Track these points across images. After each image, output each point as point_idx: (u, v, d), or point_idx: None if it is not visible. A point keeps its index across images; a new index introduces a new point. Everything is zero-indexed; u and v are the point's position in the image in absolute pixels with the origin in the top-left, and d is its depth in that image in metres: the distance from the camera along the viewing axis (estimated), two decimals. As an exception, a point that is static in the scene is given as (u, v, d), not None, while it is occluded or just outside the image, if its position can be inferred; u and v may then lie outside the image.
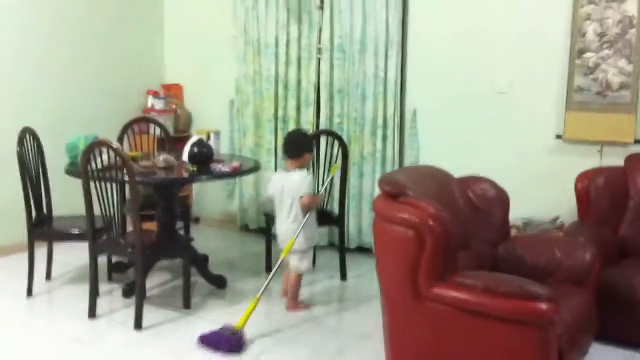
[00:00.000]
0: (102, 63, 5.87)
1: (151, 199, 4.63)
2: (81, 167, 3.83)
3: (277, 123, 5.60)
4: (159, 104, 6.05)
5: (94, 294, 3.97)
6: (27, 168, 4.28)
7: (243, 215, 5.96)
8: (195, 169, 4.28)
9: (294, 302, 4.18)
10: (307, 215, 4.05)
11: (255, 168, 4.58)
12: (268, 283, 3.96)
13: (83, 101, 5.72)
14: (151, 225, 4.54)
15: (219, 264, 4.79)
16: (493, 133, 4.72)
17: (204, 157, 4.44)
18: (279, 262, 4.05)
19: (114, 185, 3.86)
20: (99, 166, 3.92)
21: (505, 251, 3.59)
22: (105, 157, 3.98)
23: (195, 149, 4.44)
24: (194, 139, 4.56)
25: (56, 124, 5.32)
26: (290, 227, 4.07)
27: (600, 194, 4.04)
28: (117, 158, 3.72)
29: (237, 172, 4.38)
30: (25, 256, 4.33)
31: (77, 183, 4.56)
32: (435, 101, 4.95)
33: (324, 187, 4.59)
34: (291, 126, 5.49)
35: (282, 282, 4.33)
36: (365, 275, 4.81)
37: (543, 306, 2.80)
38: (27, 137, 4.33)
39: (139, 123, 5.42)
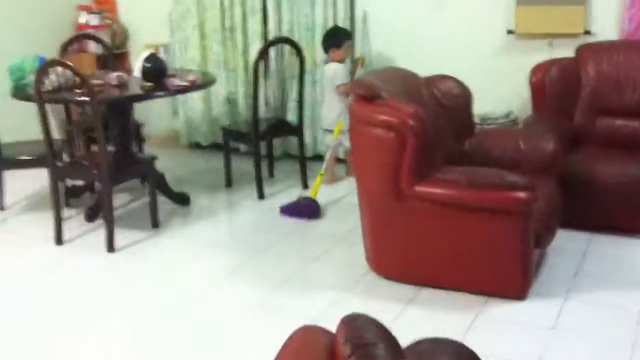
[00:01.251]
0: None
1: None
2: (35, 88, 3.63)
3: (225, 33, 5.42)
4: (93, 20, 5.72)
5: (58, 219, 3.86)
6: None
7: (191, 132, 5.83)
8: (151, 85, 4.13)
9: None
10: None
11: (212, 81, 4.47)
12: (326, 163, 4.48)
13: (10, 20, 5.36)
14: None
15: (175, 182, 4.68)
16: (444, 32, 4.73)
17: (158, 73, 4.27)
18: (333, 143, 4.58)
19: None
20: (49, 87, 3.74)
21: (471, 146, 3.68)
22: (53, 77, 3.81)
23: (149, 65, 4.26)
24: (145, 53, 4.38)
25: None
26: (328, 113, 4.62)
27: (554, 85, 4.15)
28: (75, 77, 3.54)
29: (195, 86, 4.26)
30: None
31: (21, 107, 4.38)
32: (385, 3, 4.90)
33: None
34: (239, 36, 5.33)
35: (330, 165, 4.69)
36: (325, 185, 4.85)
37: (524, 195, 2.93)
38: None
39: (79, 40, 5.14)
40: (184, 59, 5.61)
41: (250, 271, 3.49)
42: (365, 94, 3.26)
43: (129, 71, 4.71)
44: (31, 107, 4.17)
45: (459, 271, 3.10)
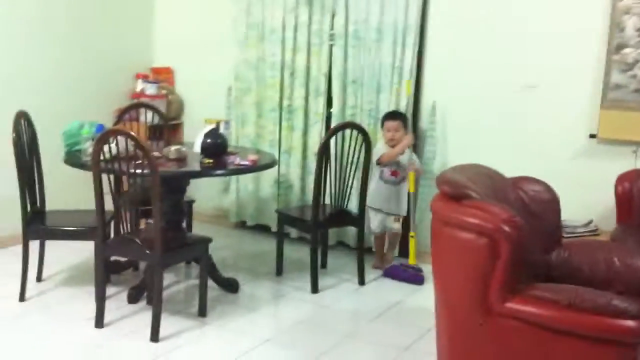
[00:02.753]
0: (89, 44, 5.40)
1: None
2: (93, 156, 3.42)
3: (282, 113, 5.23)
4: (150, 89, 5.60)
5: (101, 300, 3.56)
6: (23, 156, 3.83)
7: (239, 210, 5.58)
8: (210, 162, 3.91)
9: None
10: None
11: (273, 163, 4.25)
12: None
13: (68, 86, 5.24)
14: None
15: (221, 264, 4.36)
16: (521, 131, 4.47)
17: (218, 149, 4.08)
18: (376, 226, 4.65)
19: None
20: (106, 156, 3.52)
21: (559, 258, 3.34)
22: (112, 146, 3.59)
23: (209, 140, 4.07)
24: (206, 128, 4.19)
25: (41, 109, 4.84)
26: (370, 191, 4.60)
27: (641, 196, 3.85)
28: (137, 148, 3.32)
29: (255, 167, 4.02)
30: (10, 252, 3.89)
31: (70, 174, 4.18)
32: (457, 95, 4.68)
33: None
34: (299, 117, 5.14)
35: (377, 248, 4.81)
36: (383, 280, 4.53)
37: (632, 324, 2.57)
38: (22, 122, 3.88)
39: (135, 109, 4.99)
40: (239, 135, 5.43)
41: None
42: (451, 191, 2.97)
43: (182, 143, 4.53)
44: (78, 175, 3.98)
45: (553, 403, 2.71)
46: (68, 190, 4.64)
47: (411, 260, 4.60)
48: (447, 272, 2.94)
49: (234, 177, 5.48)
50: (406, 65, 4.69)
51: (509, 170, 3.54)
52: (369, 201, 4.48)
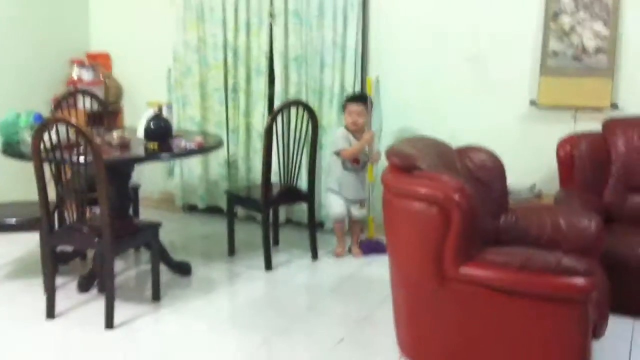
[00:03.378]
0: (21, 30, 5.20)
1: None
2: (33, 146, 3.31)
3: (228, 93, 5.17)
4: (87, 75, 5.45)
5: (52, 291, 3.47)
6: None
7: (185, 194, 5.51)
8: (155, 146, 3.84)
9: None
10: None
11: (220, 144, 4.17)
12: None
13: (0, 75, 5.06)
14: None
15: (172, 248, 4.29)
16: (464, 101, 4.55)
17: (162, 133, 4.00)
18: (337, 214, 4.48)
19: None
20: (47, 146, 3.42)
21: (506, 223, 3.42)
22: (53, 135, 3.49)
23: (153, 124, 3.99)
24: (149, 112, 4.10)
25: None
26: (327, 176, 4.70)
27: (583, 160, 3.96)
28: (79, 136, 3.23)
29: (202, 149, 3.97)
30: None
31: (7, 166, 4.06)
32: (399, 69, 4.72)
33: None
34: (241, 97, 5.09)
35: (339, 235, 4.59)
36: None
37: (582, 281, 2.65)
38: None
39: (72, 96, 4.84)
40: (182, 118, 5.34)
41: (274, 352, 3.15)
42: (401, 163, 3.00)
43: (123, 129, 4.44)
44: (17, 166, 3.86)
45: (509, 362, 2.79)
46: (6, 182, 4.50)
47: (370, 234, 4.70)
48: (400, 242, 2.98)
49: (178, 161, 5.41)
50: (349, 40, 4.68)
51: (455, 139, 3.61)
52: (332, 186, 4.46)
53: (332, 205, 4.46)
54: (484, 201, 3.39)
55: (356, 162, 4.38)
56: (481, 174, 3.46)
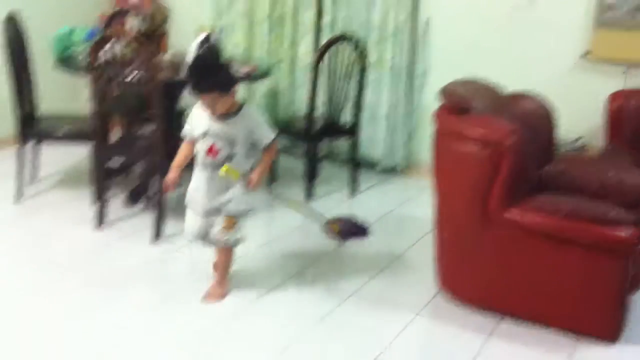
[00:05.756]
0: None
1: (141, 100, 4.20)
2: (90, 61, 3.36)
3: (273, 23, 5.15)
4: (135, -5, 5.43)
5: (102, 200, 3.60)
6: (13, 59, 3.74)
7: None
8: (206, 70, 3.87)
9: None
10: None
11: (269, 72, 4.20)
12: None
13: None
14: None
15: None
16: (516, 49, 4.48)
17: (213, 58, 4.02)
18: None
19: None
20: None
21: (553, 171, 3.43)
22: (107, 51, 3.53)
23: (204, 49, 4.00)
24: (200, 36, 4.10)
25: (25, 14, 4.70)
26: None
27: (632, 116, 3.93)
28: (139, 53, 3.27)
29: (253, 76, 4.00)
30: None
31: (57, 79, 4.13)
32: (451, 12, 4.65)
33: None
34: (288, 28, 5.07)
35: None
36: (375, 191, 4.62)
37: (627, 233, 2.70)
38: (10, 25, 3.76)
39: (120, 16, 4.84)
40: (228, 44, 5.35)
41: (311, 279, 3.25)
42: (454, 104, 3.03)
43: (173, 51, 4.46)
44: (65, 81, 3.92)
45: (546, 305, 2.86)
46: (56, 95, 4.57)
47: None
48: (447, 183, 3.03)
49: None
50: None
51: (504, 86, 3.60)
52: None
53: (187, 218, 3.07)
54: (532, 149, 3.42)
55: (212, 153, 2.84)
56: (530, 120, 3.44)
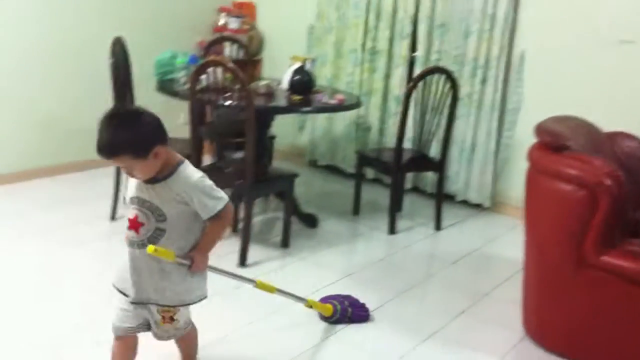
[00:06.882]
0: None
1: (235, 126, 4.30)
2: (190, 86, 3.48)
3: (364, 54, 5.20)
4: (233, 23, 5.63)
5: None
6: (118, 81, 3.92)
7: (313, 149, 5.64)
8: (300, 98, 3.94)
9: None
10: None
11: (359, 103, 4.24)
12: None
13: (155, 16, 5.30)
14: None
15: (300, 200, 4.42)
16: (613, 86, 4.34)
17: (306, 86, 4.11)
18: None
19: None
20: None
21: (649, 217, 3.30)
22: (204, 77, 3.65)
23: (298, 77, 4.09)
24: (295, 65, 4.20)
25: (130, 38, 4.93)
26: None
27: None
28: (236, 80, 3.37)
29: (342, 107, 4.05)
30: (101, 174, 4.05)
31: (155, 102, 4.26)
32: (548, 45, 4.55)
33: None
34: (382, 59, 5.10)
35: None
36: (460, 226, 4.55)
37: None
38: (116, 48, 3.95)
39: (220, 43, 5.02)
40: (317, 76, 5.42)
41: (392, 315, 3.20)
42: (553, 142, 2.95)
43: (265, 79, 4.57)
44: (164, 103, 4.04)
45: (640, 358, 2.73)
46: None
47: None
48: (540, 222, 2.94)
49: (310, 116, 5.53)
50: (499, 10, 4.57)
51: (601, 124, 3.48)
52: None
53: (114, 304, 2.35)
54: (630, 190, 3.29)
55: (135, 227, 2.17)
56: (628, 161, 3.34)
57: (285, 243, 3.84)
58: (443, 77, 4.27)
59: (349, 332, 2.99)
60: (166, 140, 2.10)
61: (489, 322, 3.19)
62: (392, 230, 4.25)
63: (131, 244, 2.18)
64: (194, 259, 2.19)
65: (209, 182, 2.18)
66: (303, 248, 3.88)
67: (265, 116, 4.05)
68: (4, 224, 3.91)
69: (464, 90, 4.74)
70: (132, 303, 2.22)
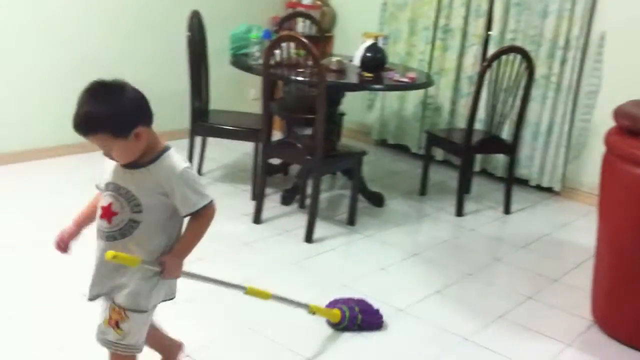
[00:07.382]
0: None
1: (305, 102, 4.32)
2: (264, 61, 3.52)
3: (437, 32, 5.13)
4: (306, -1, 5.63)
5: (260, 198, 3.74)
6: (194, 54, 4.00)
7: (382, 128, 5.62)
8: (370, 75, 3.93)
9: None
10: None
11: (431, 82, 4.20)
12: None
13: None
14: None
15: (367, 179, 4.40)
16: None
17: (377, 63, 4.09)
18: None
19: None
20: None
21: None
22: (277, 52, 3.67)
23: (370, 54, 4.08)
24: (367, 42, 4.19)
25: (205, 11, 5.00)
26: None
27: None
28: (310, 56, 3.38)
29: (414, 85, 4.01)
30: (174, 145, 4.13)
31: (226, 76, 4.36)
32: (631, 26, 4.38)
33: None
34: (456, 37, 5.01)
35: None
36: (531, 211, 4.47)
37: None
38: (193, 21, 4.02)
39: (293, 18, 5.05)
40: (389, 53, 5.38)
41: (456, 297, 3.17)
42: (632, 126, 2.85)
43: (331, 56, 4.57)
44: (236, 77, 4.11)
45: None
46: (225, 91, 4.83)
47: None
48: (616, 208, 2.86)
49: (379, 94, 5.50)
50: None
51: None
52: None
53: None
54: None
55: (106, 217, 1.91)
56: None
57: (351, 221, 3.85)
58: (519, 57, 4.17)
59: (411, 313, 2.99)
60: (151, 121, 1.87)
61: (556, 309, 3.13)
62: (459, 212, 4.21)
63: (101, 234, 1.91)
64: (166, 264, 1.88)
65: (195, 175, 1.94)
66: (369, 226, 3.89)
67: (336, 93, 4.05)
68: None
69: (539, 72, 4.62)
70: (89, 300, 1.96)
